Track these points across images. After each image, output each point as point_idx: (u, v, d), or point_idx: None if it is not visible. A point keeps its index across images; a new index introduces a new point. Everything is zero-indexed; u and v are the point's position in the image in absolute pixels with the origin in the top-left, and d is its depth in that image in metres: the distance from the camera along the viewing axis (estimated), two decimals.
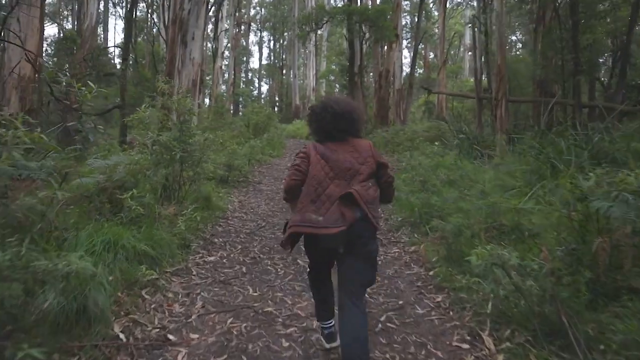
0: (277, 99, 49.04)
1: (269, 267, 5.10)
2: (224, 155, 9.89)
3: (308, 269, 3.29)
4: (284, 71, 48.22)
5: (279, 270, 5.02)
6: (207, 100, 26.25)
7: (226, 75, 49.94)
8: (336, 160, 2.84)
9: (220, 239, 6.09)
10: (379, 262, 4.61)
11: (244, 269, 5.00)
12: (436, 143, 9.66)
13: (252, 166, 12.28)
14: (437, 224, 5.44)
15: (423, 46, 47.28)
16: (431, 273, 4.92)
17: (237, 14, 34.36)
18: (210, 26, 27.91)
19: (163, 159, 6.43)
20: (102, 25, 34.11)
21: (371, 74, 31.61)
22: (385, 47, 26.45)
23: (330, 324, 3.13)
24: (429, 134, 16.73)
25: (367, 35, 23.75)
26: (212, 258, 5.28)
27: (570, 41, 10.82)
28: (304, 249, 3.07)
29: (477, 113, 12.40)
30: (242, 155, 12.27)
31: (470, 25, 25.97)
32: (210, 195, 7.63)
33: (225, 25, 26.26)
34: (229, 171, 9.63)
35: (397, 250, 5.84)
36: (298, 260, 5.28)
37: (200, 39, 13.07)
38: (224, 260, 5.25)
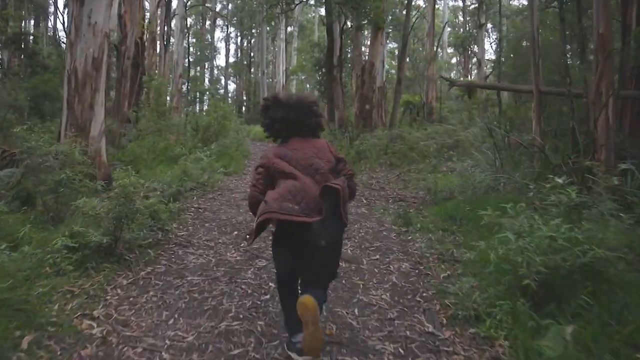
0: (244, 98, 43.54)
1: None
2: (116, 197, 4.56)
3: (276, 277, 2.99)
4: (252, 69, 42.75)
5: None
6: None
7: (203, 72, 44.12)
8: (297, 159, 2.72)
9: None
10: None
11: None
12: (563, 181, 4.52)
13: (185, 200, 7.01)
14: None
15: (397, 45, 42.65)
16: None
17: None
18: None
19: None
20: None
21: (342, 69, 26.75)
22: (369, 37, 21.51)
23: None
24: (439, 142, 11.78)
25: (349, 21, 18.68)
26: None
27: None
28: (272, 247, 2.90)
29: (536, 116, 7.48)
30: (170, 180, 7.04)
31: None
32: None
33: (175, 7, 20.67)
34: (118, 230, 4.36)
35: None
36: None
37: None
38: None
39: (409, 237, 5.58)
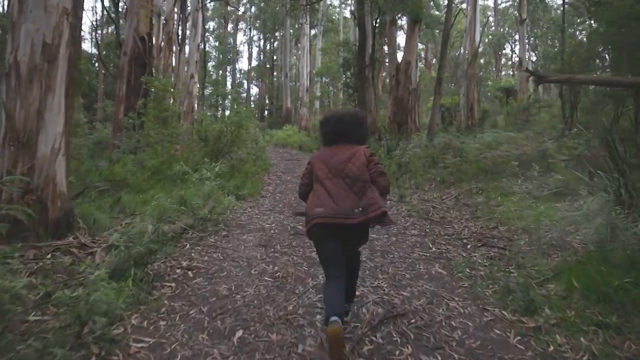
0: (267, 101, 41.23)
1: None
2: None
3: (320, 262, 3.17)
4: (275, 72, 40.39)
5: None
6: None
7: (216, 75, 41.94)
8: (333, 162, 2.97)
9: None
10: None
11: None
12: None
13: (168, 255, 4.50)
14: None
15: (423, 46, 39.78)
16: None
17: None
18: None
19: None
20: None
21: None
22: (401, 33, 18.89)
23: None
24: (503, 154, 9.11)
25: (381, 15, 16.08)
26: None
27: None
28: (315, 245, 3.07)
29: None
30: (148, 217, 4.59)
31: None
32: None
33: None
34: None
35: None
36: None
37: None
38: None
39: (549, 346, 2.97)
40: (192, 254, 4.67)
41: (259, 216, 6.66)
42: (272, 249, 5.02)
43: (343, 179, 2.89)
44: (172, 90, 10.57)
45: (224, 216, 6.21)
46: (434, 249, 5.14)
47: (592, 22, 15.68)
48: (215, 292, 3.75)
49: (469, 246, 5.26)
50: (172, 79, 18.03)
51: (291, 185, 9.70)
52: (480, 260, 4.67)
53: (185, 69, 17.37)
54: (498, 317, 3.39)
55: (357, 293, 3.77)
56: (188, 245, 4.94)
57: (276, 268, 4.40)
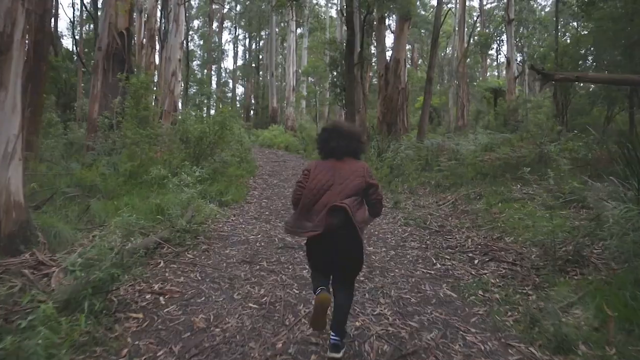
0: (252, 101, 40.45)
1: None
2: None
3: (309, 266, 3.15)
4: (261, 71, 39.65)
5: None
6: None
7: (200, 74, 41.09)
8: (332, 176, 2.88)
9: None
10: None
11: None
12: None
13: (137, 276, 3.85)
14: None
15: (410, 46, 39.39)
16: None
17: None
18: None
19: None
20: None
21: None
22: (394, 31, 18.37)
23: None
24: (501, 156, 8.61)
25: (369, 11, 15.53)
26: None
27: None
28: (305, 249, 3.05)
29: None
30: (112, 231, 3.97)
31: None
32: None
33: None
34: None
35: None
36: None
37: None
38: None
39: None
40: (166, 274, 4.04)
41: (243, 226, 6.05)
42: (258, 266, 4.42)
43: (337, 195, 2.81)
44: (153, 88, 9.86)
45: (204, 226, 5.59)
46: (438, 265, 4.59)
47: (581, 22, 15.38)
48: (191, 325, 3.14)
49: (476, 261, 4.72)
50: (156, 78, 17.28)
51: (278, 190, 9.10)
52: (492, 280, 4.12)
53: (178, 78, 16.59)
54: (527, 357, 2.84)
55: (357, 324, 3.21)
56: (162, 263, 4.31)
57: (262, 291, 3.81)
